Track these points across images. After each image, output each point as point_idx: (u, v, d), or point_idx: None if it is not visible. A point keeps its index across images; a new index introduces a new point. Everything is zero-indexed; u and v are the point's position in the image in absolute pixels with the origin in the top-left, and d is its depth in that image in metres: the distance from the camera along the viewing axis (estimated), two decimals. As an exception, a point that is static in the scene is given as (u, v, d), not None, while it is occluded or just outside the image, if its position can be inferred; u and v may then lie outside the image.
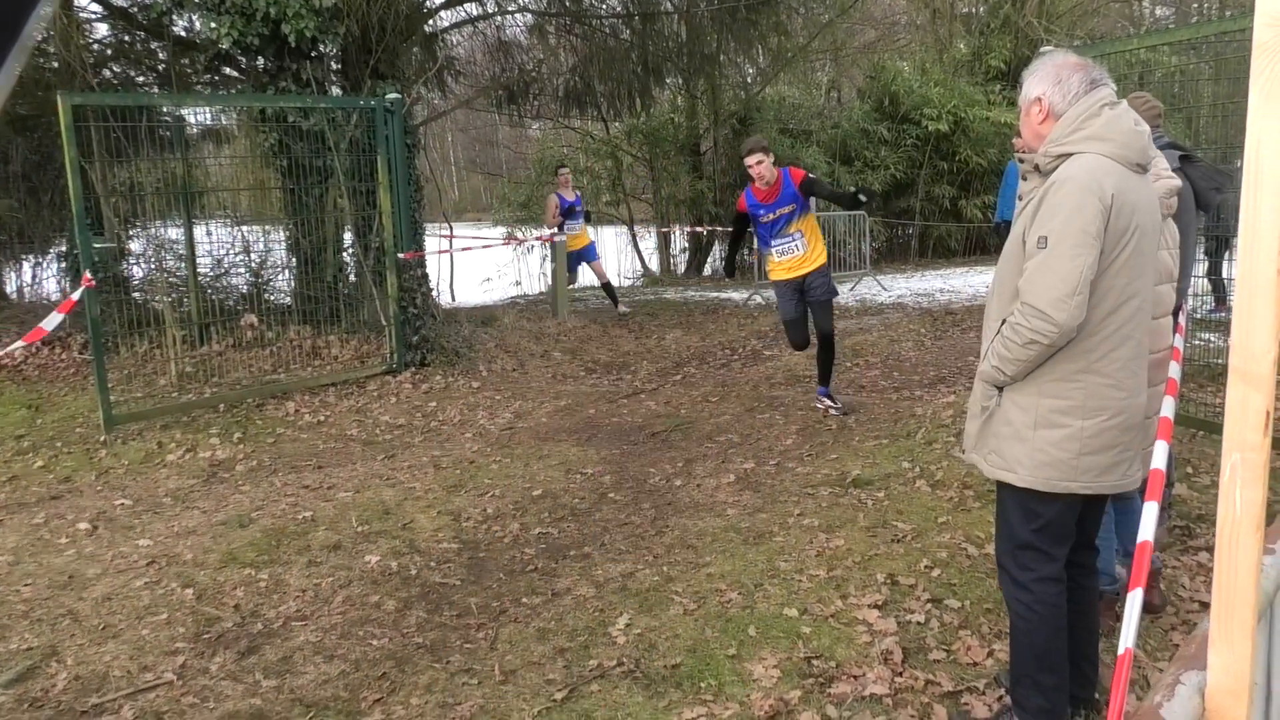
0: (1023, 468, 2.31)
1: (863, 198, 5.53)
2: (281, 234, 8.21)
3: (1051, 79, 2.32)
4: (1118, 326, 2.24)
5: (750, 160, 5.64)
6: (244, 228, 8.22)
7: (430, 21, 10.43)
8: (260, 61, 7.50)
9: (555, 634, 3.33)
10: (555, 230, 10.06)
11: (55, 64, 7.99)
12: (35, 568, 4.12)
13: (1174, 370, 2.90)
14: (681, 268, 15.70)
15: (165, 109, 7.63)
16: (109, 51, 9.25)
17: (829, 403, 6.06)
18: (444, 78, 10.95)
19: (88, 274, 5.82)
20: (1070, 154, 2.25)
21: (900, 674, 2.91)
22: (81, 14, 8.47)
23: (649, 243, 16.33)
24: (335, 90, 7.94)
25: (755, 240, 6.15)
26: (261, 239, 8.27)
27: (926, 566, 3.62)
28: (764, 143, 5.74)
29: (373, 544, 4.22)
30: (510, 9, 11.79)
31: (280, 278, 8.36)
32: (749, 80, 15.61)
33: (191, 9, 7.00)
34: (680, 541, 4.12)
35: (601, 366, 8.39)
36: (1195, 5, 18.88)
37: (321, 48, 7.35)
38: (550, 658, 3.16)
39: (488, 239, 13.41)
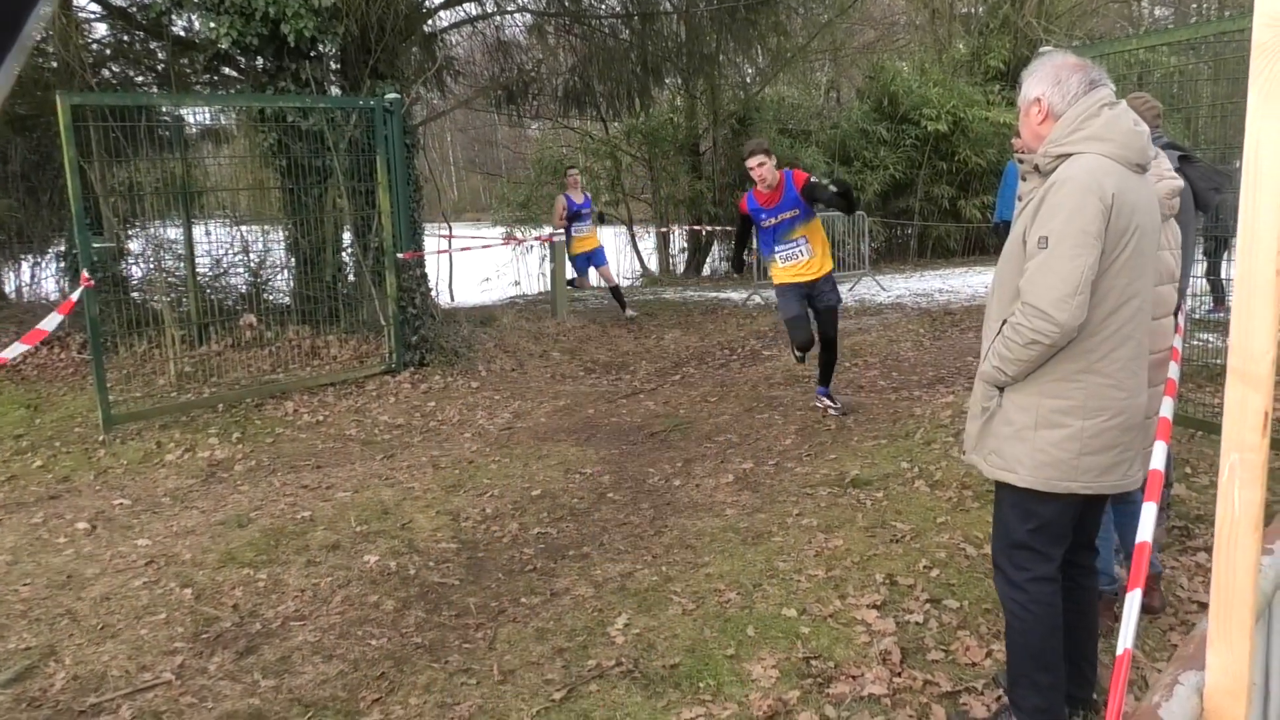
0: (1023, 468, 2.31)
1: (834, 188, 5.42)
2: (280, 234, 8.21)
3: (1051, 79, 2.32)
4: (1118, 327, 2.24)
5: (751, 162, 5.53)
6: (243, 227, 8.23)
7: (429, 21, 10.43)
8: (259, 61, 7.50)
9: (554, 634, 3.33)
10: (560, 231, 10.06)
11: (54, 64, 7.99)
12: (34, 567, 4.12)
13: (1173, 370, 2.90)
14: (680, 268, 15.71)
15: (164, 109, 7.64)
16: (108, 51, 9.25)
17: (828, 403, 6.05)
18: (443, 78, 10.95)
19: (86, 274, 5.82)
20: (1070, 154, 2.25)
21: (899, 674, 2.91)
22: (80, 14, 8.47)
23: (648, 243, 16.34)
24: (334, 90, 7.94)
25: (756, 241, 6.09)
26: (260, 239, 8.28)
27: (925, 567, 3.62)
28: (765, 144, 5.63)
29: (371, 544, 4.22)
30: (509, 9, 11.79)
31: (279, 278, 8.37)
32: (748, 80, 15.61)
33: (190, 9, 7.00)
34: (679, 541, 4.12)
35: (600, 366, 8.39)
36: (1194, 6, 18.89)
37: (321, 47, 7.36)
38: (549, 658, 3.16)
39: (487, 239, 13.40)
